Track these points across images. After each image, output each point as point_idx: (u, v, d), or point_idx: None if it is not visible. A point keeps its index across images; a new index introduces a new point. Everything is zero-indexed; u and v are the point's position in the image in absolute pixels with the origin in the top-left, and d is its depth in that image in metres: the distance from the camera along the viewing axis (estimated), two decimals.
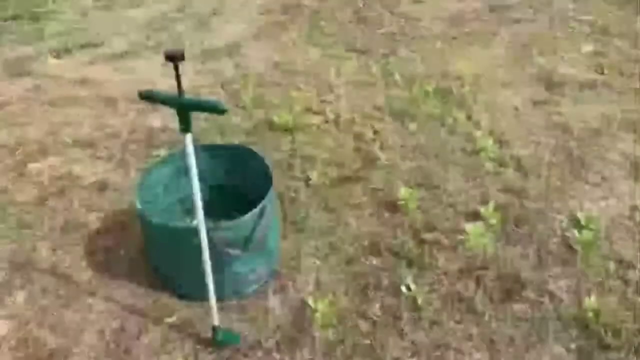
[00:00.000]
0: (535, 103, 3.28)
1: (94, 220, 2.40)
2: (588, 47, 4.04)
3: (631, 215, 2.36)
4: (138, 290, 2.05)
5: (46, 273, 2.14)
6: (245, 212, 1.85)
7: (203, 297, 1.95)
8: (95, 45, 4.16)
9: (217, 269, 1.87)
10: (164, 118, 3.16)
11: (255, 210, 1.82)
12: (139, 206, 1.85)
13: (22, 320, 1.94)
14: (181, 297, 2.00)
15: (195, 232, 1.85)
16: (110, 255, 2.21)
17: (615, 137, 2.91)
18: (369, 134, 2.98)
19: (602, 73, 3.62)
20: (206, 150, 2.17)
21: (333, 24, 4.55)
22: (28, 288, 2.08)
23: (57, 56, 3.98)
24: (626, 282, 2.03)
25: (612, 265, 2.09)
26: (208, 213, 2.28)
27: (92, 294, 2.05)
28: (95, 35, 4.34)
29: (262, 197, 1.89)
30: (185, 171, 2.17)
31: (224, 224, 1.80)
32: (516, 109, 3.21)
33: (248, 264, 1.91)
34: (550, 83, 3.50)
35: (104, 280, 2.10)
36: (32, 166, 2.77)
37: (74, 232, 2.34)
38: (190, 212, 2.25)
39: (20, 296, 2.04)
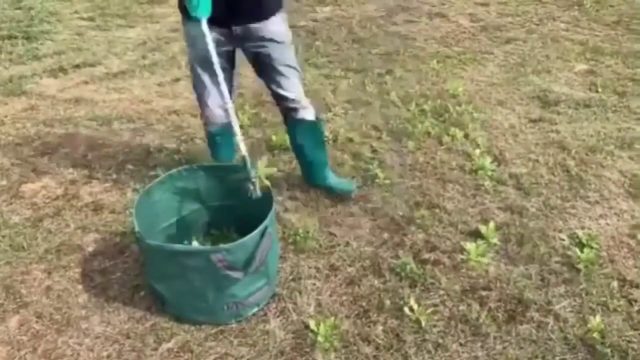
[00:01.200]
0: (532, 121, 3.29)
1: (89, 242, 2.35)
2: (581, 66, 4.08)
3: (632, 233, 2.36)
4: (135, 314, 2.00)
5: (40, 297, 2.09)
6: (246, 234, 1.82)
7: (203, 320, 1.92)
8: (91, 65, 4.15)
9: (217, 292, 1.84)
10: (161, 138, 3.15)
11: (257, 232, 1.79)
12: (137, 228, 1.82)
13: (15, 346, 1.89)
14: (179, 320, 1.96)
15: (194, 254, 1.82)
16: (107, 278, 2.17)
17: (612, 155, 2.92)
18: (367, 153, 2.97)
19: (597, 91, 3.65)
20: (205, 171, 2.14)
21: (328, 44, 4.58)
22: (22, 312, 2.02)
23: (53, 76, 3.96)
24: (630, 301, 2.01)
25: (615, 284, 2.08)
26: (207, 234, 2.29)
27: (88, 318, 2.00)
28: (90, 55, 4.33)
29: (262, 218, 1.86)
30: (183, 192, 2.15)
31: (225, 245, 1.76)
32: (513, 127, 3.23)
33: (248, 287, 1.87)
34: (546, 101, 3.53)
35: (100, 303, 2.05)
36: (27, 187, 2.72)
37: (69, 254, 2.29)
38: (189, 234, 2.23)
39: (13, 321, 1.99)
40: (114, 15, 5.27)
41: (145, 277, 2.10)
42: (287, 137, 2.99)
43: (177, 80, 3.92)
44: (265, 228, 1.82)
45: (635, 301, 2.01)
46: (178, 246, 1.90)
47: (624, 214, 2.48)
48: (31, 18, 5.08)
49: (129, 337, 1.92)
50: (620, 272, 2.14)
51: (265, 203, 1.97)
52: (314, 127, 2.46)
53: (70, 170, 2.85)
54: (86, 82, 3.89)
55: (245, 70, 4.04)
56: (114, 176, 2.81)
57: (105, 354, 1.86)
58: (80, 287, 2.13)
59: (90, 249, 2.32)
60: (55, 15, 5.20)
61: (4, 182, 2.75)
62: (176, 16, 5.42)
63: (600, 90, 3.67)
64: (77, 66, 4.13)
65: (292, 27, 5.17)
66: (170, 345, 1.88)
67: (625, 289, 2.07)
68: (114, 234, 2.40)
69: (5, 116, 3.39)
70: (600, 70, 3.99)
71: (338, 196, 2.60)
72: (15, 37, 4.60)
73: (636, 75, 3.90)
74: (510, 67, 4.06)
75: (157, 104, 3.57)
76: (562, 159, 2.88)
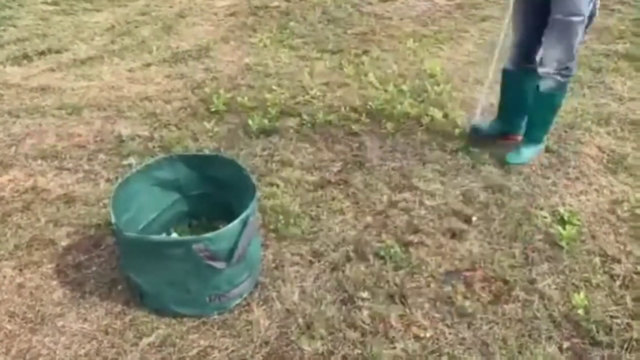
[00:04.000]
0: None
1: (62, 236, 2.26)
2: None
3: (611, 209, 2.37)
4: (113, 309, 1.93)
5: (12, 295, 2.00)
6: (226, 224, 1.77)
7: (184, 313, 1.87)
8: (57, 52, 3.98)
9: (200, 283, 1.78)
10: (133, 126, 3.04)
11: (239, 220, 1.73)
12: (113, 220, 1.74)
13: None
14: (160, 314, 1.90)
15: (175, 244, 1.76)
16: (82, 273, 2.09)
17: (590, 131, 2.93)
18: (347, 136, 2.93)
19: None
20: (183, 160, 2.07)
21: (303, 25, 4.49)
22: None
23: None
24: (612, 276, 2.03)
25: (597, 260, 2.09)
26: (187, 225, 2.22)
27: (63, 315, 1.92)
28: (56, 41, 4.16)
29: (242, 206, 1.81)
30: (162, 183, 2.08)
31: (207, 235, 1.71)
32: (492, 105, 3.21)
33: (231, 279, 1.82)
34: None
35: (76, 300, 1.98)
36: None
37: (41, 249, 2.20)
38: (168, 225, 2.16)
39: None
40: None
41: (122, 270, 2.03)
42: (264, 121, 2.93)
43: (148, 65, 3.80)
44: (248, 216, 1.76)
45: (617, 276, 2.02)
46: (158, 237, 1.84)
47: (604, 190, 2.49)
48: None
49: (107, 333, 1.85)
50: (601, 247, 2.15)
51: (245, 190, 1.92)
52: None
53: (39, 161, 2.74)
54: (52, 70, 3.73)
55: (218, 54, 3.97)
56: (86, 167, 2.70)
57: (82, 351, 1.79)
58: (54, 283, 2.05)
59: (63, 243, 2.23)
60: (17, 0, 4.97)
61: None
62: None
63: None
64: (42, 53, 3.96)
65: (264, 7, 5.08)
66: (151, 339, 1.82)
67: (607, 265, 2.08)
68: (88, 226, 2.31)
69: None
70: None
71: (319, 181, 2.56)
72: None
73: (610, 51, 3.92)
74: (486, 46, 4.04)
75: (128, 91, 3.45)
76: None
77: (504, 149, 2.74)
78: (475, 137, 2.83)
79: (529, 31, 2.50)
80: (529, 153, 2.66)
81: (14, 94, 3.40)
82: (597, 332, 1.80)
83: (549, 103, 2.56)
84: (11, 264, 2.12)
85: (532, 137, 2.68)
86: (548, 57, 2.40)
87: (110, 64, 3.82)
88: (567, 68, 2.42)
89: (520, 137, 2.79)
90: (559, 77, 2.43)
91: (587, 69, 3.64)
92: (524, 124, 2.73)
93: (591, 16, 2.33)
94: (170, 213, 2.14)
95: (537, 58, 2.47)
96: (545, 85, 2.46)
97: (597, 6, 2.32)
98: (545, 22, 2.34)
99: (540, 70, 2.44)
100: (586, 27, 2.37)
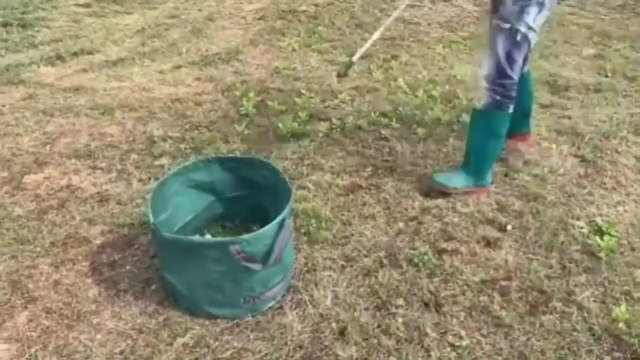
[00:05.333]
0: (543, 107, 3.24)
1: (96, 234, 2.28)
2: (589, 51, 4.03)
3: None
4: (147, 309, 1.94)
5: (49, 291, 2.02)
6: (259, 226, 1.76)
7: (218, 314, 1.87)
8: (89, 53, 4.05)
9: (235, 284, 1.78)
10: (164, 127, 3.07)
11: (275, 222, 1.73)
12: (152, 220, 1.75)
13: (25, 343, 1.82)
14: (193, 314, 1.90)
15: (212, 245, 1.77)
16: (116, 272, 2.10)
17: (627, 140, 2.87)
18: (377, 141, 2.91)
19: (606, 76, 3.61)
20: (219, 162, 2.08)
21: (331, 30, 4.50)
22: (30, 308, 1.96)
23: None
24: None
25: (638, 273, 2.04)
26: (221, 227, 2.23)
27: (99, 313, 1.93)
28: (88, 43, 4.23)
29: (278, 209, 1.80)
30: (198, 185, 2.09)
31: (244, 236, 1.70)
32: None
33: (266, 281, 1.82)
34: (555, 87, 3.48)
35: (111, 298, 1.99)
36: (29, 178, 2.64)
37: (76, 247, 2.22)
38: (202, 226, 2.17)
39: (22, 317, 1.92)
40: (111, 2, 5.16)
41: (157, 270, 2.04)
42: (294, 124, 2.93)
43: (179, 67, 3.84)
44: (284, 219, 1.75)
45: None
46: (196, 238, 1.84)
47: None
48: (26, 5, 4.96)
49: (142, 332, 1.86)
50: None
51: (280, 193, 1.91)
52: None
53: (73, 160, 2.77)
54: (85, 70, 3.79)
55: (247, 58, 3.99)
56: (118, 166, 2.73)
57: (118, 349, 1.80)
58: (89, 281, 2.07)
59: (97, 241, 2.25)
60: (51, 2, 5.08)
61: (5, 174, 2.67)
62: (174, 2, 5.34)
63: (609, 74, 3.62)
64: (75, 54, 4.03)
65: (293, 12, 5.11)
66: (185, 340, 1.82)
67: None
68: (121, 225, 2.33)
69: (4, 105, 3.30)
70: (609, 55, 3.95)
71: (350, 186, 2.55)
72: (10, 25, 4.48)
73: None
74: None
75: (159, 92, 3.48)
76: (576, 145, 2.84)
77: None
78: None
79: None
80: (457, 180, 2.45)
81: (48, 94, 3.46)
82: None
83: (484, 123, 2.37)
84: (47, 261, 2.15)
85: (467, 165, 2.47)
86: (481, 69, 2.30)
87: (141, 66, 3.87)
88: (501, 85, 2.25)
89: (529, 137, 2.74)
90: (493, 94, 2.27)
91: (621, 78, 3.58)
92: (528, 121, 2.69)
93: (527, 38, 2.17)
94: (205, 215, 2.15)
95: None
96: (482, 102, 2.32)
97: (532, 29, 2.15)
98: None
99: (479, 84, 2.33)
100: (525, 55, 2.27)
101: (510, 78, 2.24)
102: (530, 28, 2.15)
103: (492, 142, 2.41)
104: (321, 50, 4.10)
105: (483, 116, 2.36)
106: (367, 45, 2.69)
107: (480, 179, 2.45)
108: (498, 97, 2.27)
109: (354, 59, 2.74)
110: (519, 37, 2.15)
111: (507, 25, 2.15)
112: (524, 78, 2.42)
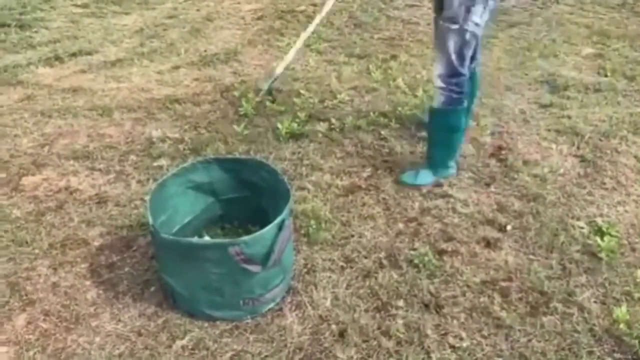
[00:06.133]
0: (542, 106, 3.24)
1: (95, 236, 2.27)
2: (588, 50, 4.02)
3: None
4: (146, 311, 1.93)
5: (47, 294, 2.01)
6: (258, 228, 1.76)
7: (217, 316, 1.86)
8: (87, 53, 4.03)
9: (234, 286, 1.78)
10: (163, 128, 3.06)
11: (275, 223, 1.72)
12: (151, 222, 1.74)
13: (24, 346, 1.81)
14: (193, 316, 1.89)
15: (211, 247, 1.76)
16: (115, 274, 2.09)
17: (626, 140, 2.87)
18: (377, 141, 2.91)
19: (606, 75, 3.60)
20: (218, 163, 2.07)
21: (330, 30, 4.48)
22: (28, 310, 1.95)
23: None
24: None
25: (638, 273, 2.03)
26: (219, 228, 2.22)
27: (98, 315, 1.93)
28: (86, 43, 4.21)
29: (277, 210, 1.80)
30: (197, 186, 2.08)
31: (243, 238, 1.70)
32: (523, 112, 3.17)
33: (266, 282, 1.81)
34: (555, 86, 3.47)
35: (110, 300, 1.98)
36: (27, 180, 2.63)
37: (74, 249, 2.21)
38: (201, 228, 2.16)
39: (20, 320, 1.91)
40: (109, 2, 5.14)
41: (156, 272, 2.03)
42: (293, 125, 2.92)
43: (177, 67, 3.82)
44: (284, 220, 1.75)
45: None
46: (194, 240, 1.83)
47: None
48: (24, 5, 4.94)
49: (141, 335, 1.85)
50: None
51: (279, 194, 1.91)
52: None
53: (71, 162, 2.76)
54: (83, 71, 3.78)
55: (246, 58, 3.98)
56: (117, 167, 2.72)
57: (117, 352, 1.79)
58: (87, 283, 2.06)
59: (96, 243, 2.24)
60: (49, 2, 5.05)
61: (3, 175, 2.66)
62: (172, 2, 5.32)
63: (609, 74, 3.61)
64: (74, 54, 4.01)
65: (291, 12, 5.08)
66: (184, 342, 1.82)
67: None
68: (120, 227, 2.32)
69: (2, 107, 3.28)
70: (608, 54, 3.94)
71: (349, 187, 2.55)
72: (8, 25, 4.46)
73: None
74: (516, 52, 4.00)
75: (158, 93, 3.47)
76: (576, 145, 2.83)
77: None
78: None
79: None
80: (424, 177, 2.54)
81: (46, 95, 3.44)
82: None
83: (442, 121, 2.45)
84: (46, 263, 2.14)
85: (430, 160, 2.57)
86: (434, 70, 2.37)
87: (140, 66, 3.86)
88: (455, 83, 2.33)
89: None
90: (449, 93, 2.35)
91: (620, 77, 3.58)
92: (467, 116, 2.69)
93: (475, 35, 2.26)
94: (204, 217, 2.14)
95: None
96: (437, 100, 2.40)
97: (478, 26, 2.23)
98: None
99: (434, 84, 2.40)
100: (474, 50, 2.34)
101: (462, 75, 2.34)
102: (477, 25, 2.24)
103: (453, 137, 2.51)
104: (320, 50, 4.09)
105: (441, 114, 2.44)
106: (290, 57, 2.71)
107: (445, 169, 2.56)
108: (453, 95, 2.36)
109: (278, 71, 2.72)
110: (467, 36, 2.24)
111: (456, 26, 2.22)
112: (471, 75, 2.49)
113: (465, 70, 2.33)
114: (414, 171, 2.59)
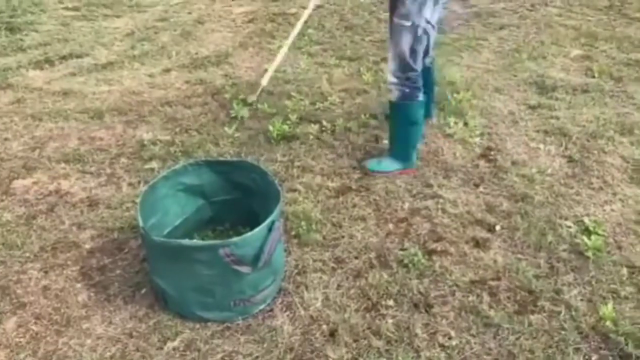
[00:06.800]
0: (530, 107, 3.27)
1: (86, 239, 2.28)
2: (576, 52, 4.07)
3: (638, 219, 2.34)
4: (138, 313, 1.94)
5: (38, 297, 2.01)
6: (250, 229, 1.77)
7: (208, 318, 1.87)
8: (78, 56, 4.03)
9: (225, 288, 1.79)
10: (154, 130, 3.06)
11: (264, 225, 1.73)
12: (141, 224, 1.75)
13: (14, 350, 1.82)
14: (184, 318, 1.90)
15: (201, 248, 1.77)
16: (106, 276, 2.10)
17: (613, 140, 2.90)
18: (367, 143, 2.92)
19: (593, 77, 3.64)
20: (209, 165, 2.08)
21: (321, 32, 4.51)
22: (19, 314, 1.95)
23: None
24: None
25: (625, 271, 2.06)
26: (211, 231, 2.23)
27: (89, 318, 1.93)
28: (77, 46, 4.21)
29: (266, 212, 1.81)
30: (187, 188, 2.09)
31: (233, 239, 1.71)
32: (512, 113, 3.20)
33: (256, 283, 1.82)
34: (543, 87, 3.51)
35: (101, 302, 1.99)
36: (17, 183, 2.63)
37: (65, 252, 2.21)
38: (192, 230, 2.16)
39: (10, 323, 1.91)
40: (100, 5, 5.14)
41: (147, 274, 2.04)
42: (284, 127, 2.94)
43: (168, 70, 3.83)
44: (274, 221, 1.76)
45: None
46: (185, 241, 1.84)
47: (629, 200, 2.46)
48: (14, 8, 4.92)
49: (132, 337, 1.85)
50: (628, 258, 2.13)
51: (270, 196, 1.92)
52: None
53: (62, 165, 2.76)
54: (74, 74, 3.78)
55: (237, 60, 3.99)
56: (108, 170, 2.72)
57: (108, 354, 1.80)
58: (78, 285, 2.06)
59: (87, 246, 2.25)
60: (39, 6, 5.05)
61: None
62: (164, 5, 5.33)
63: (596, 75, 3.65)
64: (64, 57, 4.01)
65: (282, 14, 5.10)
66: (175, 344, 1.82)
67: (634, 276, 2.05)
68: (111, 230, 2.33)
69: None
70: (596, 56, 3.98)
71: (340, 188, 2.56)
72: None
73: (631, 60, 3.89)
74: (505, 54, 4.03)
75: (149, 96, 3.48)
76: (564, 145, 2.86)
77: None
78: None
79: None
80: (387, 164, 2.65)
81: (37, 98, 3.44)
82: (627, 344, 1.78)
83: (400, 114, 2.57)
84: (37, 266, 2.14)
85: (392, 151, 2.67)
86: (388, 66, 2.48)
87: (131, 69, 3.86)
88: (408, 79, 2.44)
89: (428, 120, 2.93)
90: (402, 87, 2.46)
91: (608, 78, 3.62)
92: (429, 107, 2.85)
93: (426, 32, 2.35)
94: (194, 219, 2.15)
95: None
96: (394, 96, 2.51)
97: (430, 24, 2.34)
98: None
99: (387, 80, 2.51)
100: (427, 44, 2.42)
101: (414, 70, 2.43)
102: (428, 22, 2.34)
103: (412, 130, 2.61)
104: (311, 52, 4.11)
105: (398, 108, 2.56)
106: (275, 65, 2.73)
107: (407, 161, 2.65)
108: (407, 90, 2.47)
109: (264, 82, 2.74)
110: (419, 32, 2.33)
111: (408, 23, 2.31)
112: (426, 70, 2.61)
113: (417, 66, 2.43)
114: (378, 159, 2.70)
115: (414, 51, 2.37)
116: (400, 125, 2.61)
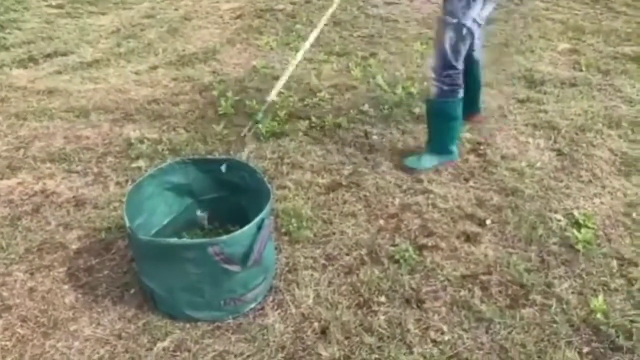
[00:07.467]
0: (519, 101, 3.27)
1: (73, 240, 2.24)
2: (564, 45, 4.08)
3: (626, 212, 2.35)
4: (126, 314, 1.91)
5: (24, 299, 1.97)
6: (240, 227, 1.75)
7: (198, 317, 1.85)
8: (63, 54, 3.97)
9: (214, 287, 1.76)
10: (141, 128, 3.02)
11: (254, 223, 1.71)
12: (128, 224, 1.72)
13: (0, 353, 1.78)
14: (173, 318, 1.88)
15: (190, 247, 1.74)
16: (93, 277, 2.07)
17: (602, 133, 2.91)
18: (357, 139, 2.91)
19: (581, 70, 3.66)
20: (196, 164, 2.05)
21: (309, 28, 4.46)
22: (4, 316, 1.91)
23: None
24: (630, 280, 2.01)
25: (614, 264, 2.07)
26: (199, 229, 2.20)
27: (76, 319, 1.90)
28: (61, 44, 4.15)
29: (257, 210, 1.79)
30: (175, 187, 2.06)
31: (222, 237, 1.68)
32: (501, 108, 3.20)
33: (247, 282, 1.80)
34: (532, 81, 3.51)
35: (88, 304, 1.95)
36: (2, 183, 2.58)
37: (51, 253, 2.18)
38: (180, 230, 2.14)
39: None
40: (84, 2, 5.07)
41: (136, 274, 2.01)
42: (273, 124, 2.92)
43: (155, 67, 3.79)
44: (263, 219, 1.74)
45: (635, 280, 2.00)
46: (173, 240, 1.82)
47: (617, 193, 2.47)
48: None
49: (121, 338, 1.83)
50: (618, 251, 2.13)
51: (259, 194, 1.90)
52: None
53: (48, 164, 2.72)
54: (59, 72, 3.72)
55: (224, 57, 3.95)
56: (95, 170, 2.68)
57: (97, 356, 1.77)
58: (65, 287, 2.03)
59: (74, 246, 2.21)
60: (22, 3, 4.97)
61: None
62: (150, 1, 5.27)
63: (584, 69, 3.67)
64: (48, 56, 3.95)
65: (270, 10, 5.07)
66: (165, 344, 1.80)
67: (624, 268, 2.06)
68: (98, 230, 2.29)
69: None
70: (583, 49, 4.00)
71: (330, 184, 2.55)
72: None
73: (618, 54, 3.91)
74: (494, 48, 4.03)
75: (136, 93, 3.43)
76: (553, 139, 2.87)
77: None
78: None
79: None
80: (427, 160, 2.62)
81: (21, 97, 3.38)
82: (618, 336, 1.78)
83: (439, 111, 2.54)
84: (22, 268, 2.10)
85: (431, 146, 2.64)
86: (430, 63, 2.47)
87: (117, 67, 3.81)
88: (448, 76, 2.41)
89: (477, 114, 2.91)
90: (441, 84, 2.43)
91: (595, 72, 3.63)
92: (476, 101, 2.85)
93: (471, 32, 2.32)
94: (183, 218, 2.12)
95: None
96: (432, 92, 2.49)
97: (476, 22, 2.31)
98: None
99: (427, 75, 2.51)
100: (471, 45, 2.40)
101: (455, 69, 2.40)
102: (474, 21, 2.29)
103: (450, 125, 2.57)
104: (299, 48, 4.07)
105: (436, 105, 2.53)
106: (283, 80, 2.69)
107: (447, 154, 2.63)
108: (445, 87, 2.43)
109: (270, 99, 2.67)
110: (464, 32, 2.29)
111: (454, 20, 2.27)
112: (472, 64, 2.57)
113: (459, 65, 2.39)
114: (417, 156, 2.65)
115: (456, 50, 2.33)
116: (438, 123, 2.57)
